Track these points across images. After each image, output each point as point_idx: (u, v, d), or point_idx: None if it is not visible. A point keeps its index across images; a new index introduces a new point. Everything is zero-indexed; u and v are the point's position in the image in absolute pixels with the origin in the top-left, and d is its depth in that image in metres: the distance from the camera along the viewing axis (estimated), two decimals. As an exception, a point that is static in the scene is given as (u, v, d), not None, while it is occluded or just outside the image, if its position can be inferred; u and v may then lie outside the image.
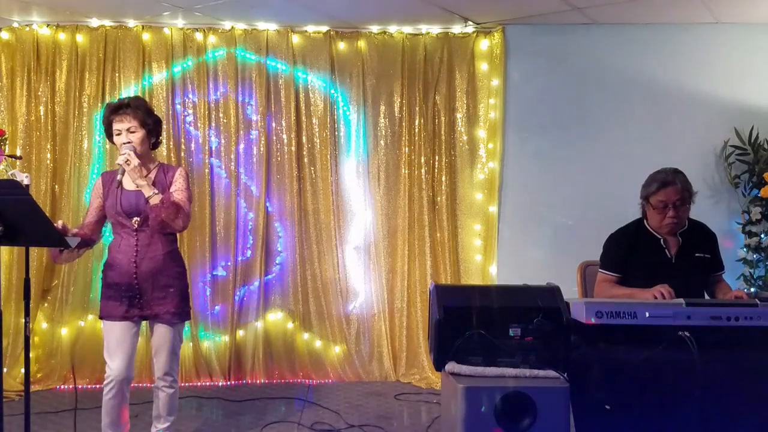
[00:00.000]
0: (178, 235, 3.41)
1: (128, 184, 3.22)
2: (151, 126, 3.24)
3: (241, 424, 4.05)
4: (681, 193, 3.19)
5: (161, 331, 3.22)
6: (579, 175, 4.95)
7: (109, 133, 3.26)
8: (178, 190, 3.22)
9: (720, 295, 3.24)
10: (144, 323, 3.32)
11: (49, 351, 4.75)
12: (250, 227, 4.98)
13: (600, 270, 3.35)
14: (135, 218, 3.17)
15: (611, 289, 3.23)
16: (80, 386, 4.70)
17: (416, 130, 5.02)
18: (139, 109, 3.20)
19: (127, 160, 3.08)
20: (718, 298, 3.22)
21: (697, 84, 4.91)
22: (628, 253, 3.28)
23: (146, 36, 4.89)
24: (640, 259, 3.25)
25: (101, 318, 3.23)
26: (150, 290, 3.16)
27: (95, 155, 4.85)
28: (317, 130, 5.00)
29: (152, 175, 3.24)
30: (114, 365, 3.12)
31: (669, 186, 3.19)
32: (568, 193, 4.96)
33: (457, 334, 2.69)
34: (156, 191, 3.12)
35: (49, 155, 4.80)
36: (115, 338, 3.14)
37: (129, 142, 3.15)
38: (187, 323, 4.71)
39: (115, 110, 3.19)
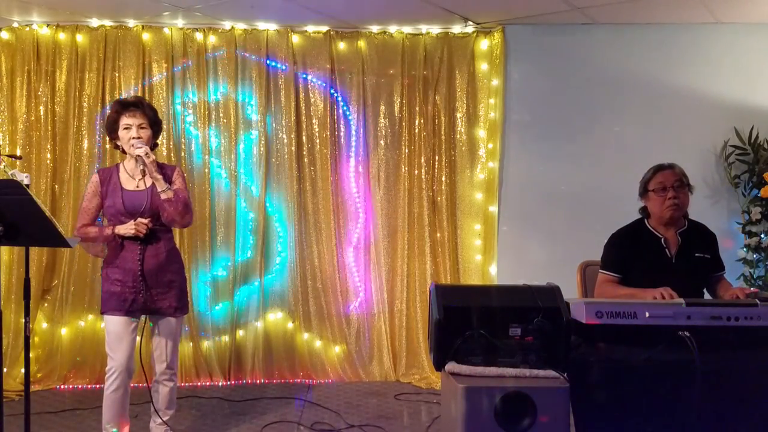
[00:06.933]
0: (178, 234, 3.46)
1: (128, 183, 3.26)
2: (156, 129, 3.37)
3: (241, 424, 4.05)
4: (678, 176, 3.27)
5: (165, 323, 3.33)
6: (579, 175, 4.96)
7: (112, 129, 3.31)
8: (179, 189, 3.30)
9: (722, 291, 3.24)
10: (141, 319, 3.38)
11: (49, 351, 4.75)
12: (250, 227, 4.98)
13: (600, 271, 3.34)
14: (138, 218, 3.22)
15: (615, 289, 3.22)
16: (80, 386, 4.71)
17: (416, 130, 5.02)
18: (150, 111, 3.33)
19: (147, 152, 3.18)
20: (721, 297, 3.22)
21: (697, 84, 4.91)
22: (629, 253, 3.28)
23: (146, 36, 4.89)
24: (640, 258, 3.25)
25: (104, 313, 3.28)
26: (155, 286, 3.26)
27: (95, 155, 4.84)
28: (317, 130, 5.00)
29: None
30: (117, 356, 3.21)
31: (665, 169, 3.30)
32: (568, 192, 4.96)
33: (457, 334, 2.69)
34: (168, 186, 3.22)
35: (49, 155, 4.80)
36: (117, 332, 3.22)
37: (139, 138, 3.23)
38: (186, 323, 4.79)
39: (127, 106, 3.28)
